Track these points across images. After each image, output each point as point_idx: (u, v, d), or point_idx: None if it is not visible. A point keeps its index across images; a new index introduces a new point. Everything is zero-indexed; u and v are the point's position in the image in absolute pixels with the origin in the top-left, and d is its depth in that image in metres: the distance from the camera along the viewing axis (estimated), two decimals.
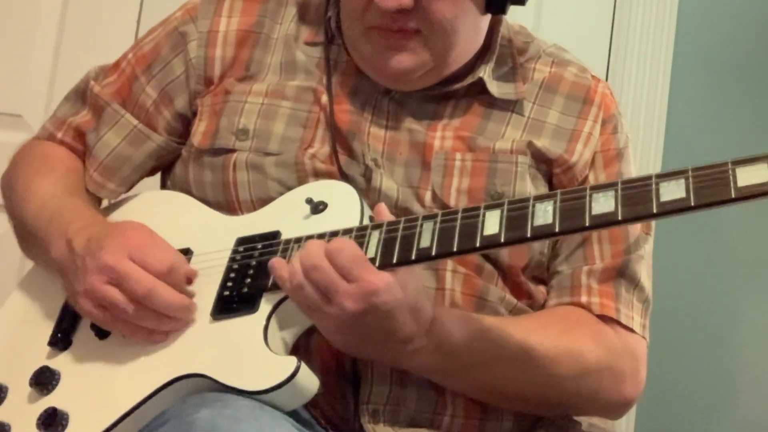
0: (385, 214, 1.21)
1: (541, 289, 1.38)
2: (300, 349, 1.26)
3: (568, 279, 1.36)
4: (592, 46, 2.29)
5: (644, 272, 1.38)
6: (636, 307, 1.36)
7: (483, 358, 1.24)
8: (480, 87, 1.38)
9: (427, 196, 1.33)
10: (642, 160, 2.21)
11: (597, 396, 1.32)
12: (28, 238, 1.41)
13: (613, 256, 1.36)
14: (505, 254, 1.33)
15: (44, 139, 1.51)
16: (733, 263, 2.19)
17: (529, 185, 1.35)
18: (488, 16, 1.38)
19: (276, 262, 1.18)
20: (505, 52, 1.42)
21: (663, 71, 2.29)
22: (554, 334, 1.29)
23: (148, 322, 1.23)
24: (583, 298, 1.34)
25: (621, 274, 1.36)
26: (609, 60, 2.30)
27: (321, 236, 1.22)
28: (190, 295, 1.25)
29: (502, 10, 1.36)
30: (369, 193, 1.32)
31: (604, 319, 1.34)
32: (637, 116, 2.23)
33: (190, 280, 1.27)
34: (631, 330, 1.35)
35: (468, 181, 1.34)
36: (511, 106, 1.39)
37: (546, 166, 1.37)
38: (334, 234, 1.22)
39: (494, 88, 1.39)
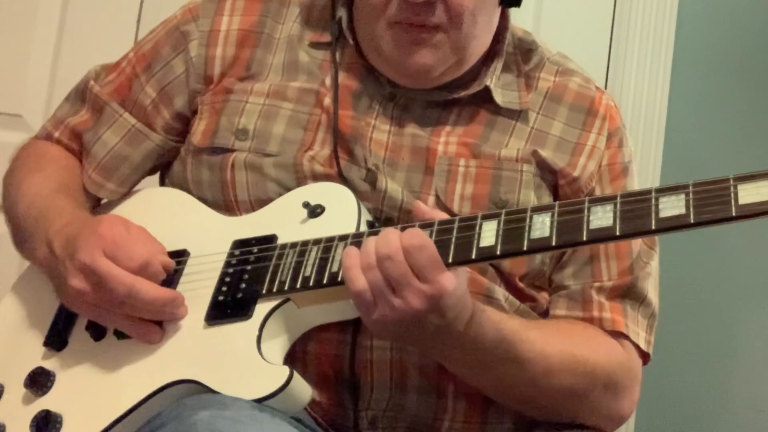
0: (425, 211, 1.20)
1: (544, 295, 1.38)
2: (296, 356, 1.26)
3: (579, 294, 1.36)
4: (592, 46, 2.28)
5: (651, 288, 1.38)
6: (641, 323, 1.37)
7: (507, 357, 1.23)
8: (485, 95, 1.38)
9: (430, 201, 1.33)
10: (642, 161, 2.21)
11: (599, 408, 1.33)
12: (20, 239, 1.41)
13: (621, 274, 1.36)
14: (505, 261, 1.32)
15: (42, 139, 1.51)
16: (735, 269, 2.19)
17: (533, 194, 1.34)
18: (498, 12, 1.38)
19: (351, 250, 1.16)
20: (510, 60, 1.42)
21: (663, 72, 2.28)
22: (573, 344, 1.30)
23: (142, 314, 1.23)
24: (595, 313, 1.35)
25: (628, 293, 1.36)
26: (609, 60, 2.29)
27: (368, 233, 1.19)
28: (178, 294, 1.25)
29: (518, 3, 1.36)
30: (373, 196, 1.31)
31: (615, 334, 1.34)
32: (637, 117, 2.23)
33: (168, 270, 1.27)
34: (637, 346, 1.35)
35: (472, 188, 1.33)
36: (516, 115, 1.39)
37: (551, 175, 1.37)
38: (330, 240, 1.22)
39: (499, 96, 1.38)
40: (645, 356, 1.37)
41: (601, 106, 1.42)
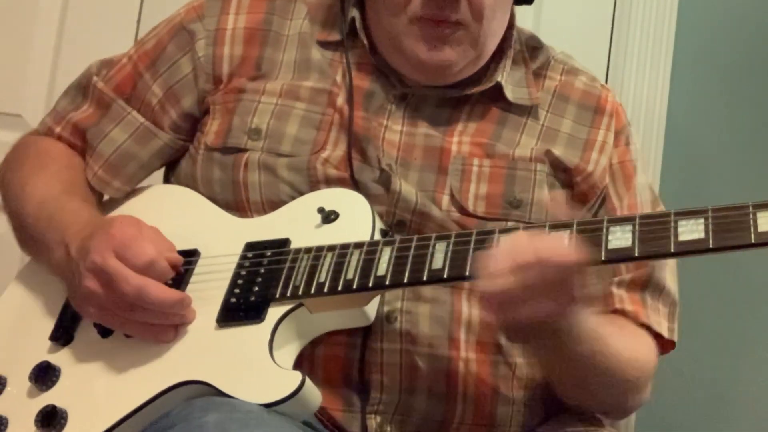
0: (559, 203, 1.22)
1: None
2: (304, 359, 1.26)
3: (598, 290, 1.36)
4: (592, 46, 2.28)
5: (669, 276, 1.40)
6: (662, 312, 1.38)
7: (589, 351, 1.23)
8: (496, 92, 1.39)
9: (445, 200, 1.33)
10: (642, 158, 2.21)
11: (632, 399, 1.35)
12: (28, 239, 1.40)
13: (639, 265, 1.36)
14: None
15: (42, 134, 1.50)
16: (745, 267, 2.18)
17: (546, 193, 1.35)
18: (509, 11, 1.39)
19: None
20: (518, 58, 1.43)
21: (663, 71, 2.28)
22: (628, 340, 1.31)
23: (152, 319, 1.22)
24: (618, 306, 1.36)
25: (646, 284, 1.37)
26: (609, 60, 2.29)
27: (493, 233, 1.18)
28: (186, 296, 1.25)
29: (530, 0, 1.39)
30: (388, 197, 1.31)
31: (639, 326, 1.36)
32: (637, 117, 2.23)
33: (176, 268, 1.26)
34: (660, 335, 1.37)
35: (486, 187, 1.34)
36: (526, 112, 1.40)
37: (564, 174, 1.38)
38: (345, 247, 1.22)
39: (510, 92, 1.39)
40: (668, 343, 1.39)
41: (608, 104, 1.44)
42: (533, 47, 1.46)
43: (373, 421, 1.29)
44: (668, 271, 1.39)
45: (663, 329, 1.37)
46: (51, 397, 1.25)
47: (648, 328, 1.36)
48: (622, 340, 1.29)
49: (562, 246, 1.11)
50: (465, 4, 1.30)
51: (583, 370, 1.26)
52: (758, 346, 2.18)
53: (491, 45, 1.37)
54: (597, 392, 1.32)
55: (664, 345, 1.39)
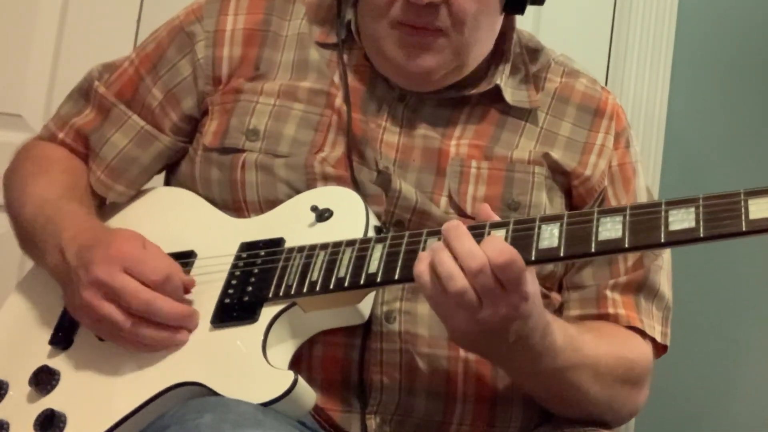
0: (490, 214, 1.18)
1: (555, 295, 1.39)
2: (302, 360, 1.26)
3: (593, 292, 1.36)
4: (592, 46, 2.28)
5: (664, 280, 1.39)
6: (656, 316, 1.38)
7: (567, 364, 1.23)
8: (495, 94, 1.39)
9: (443, 202, 1.33)
10: (642, 161, 2.21)
11: (626, 405, 1.34)
12: (27, 241, 1.41)
13: (634, 268, 1.36)
14: None
15: (46, 139, 1.50)
16: (740, 271, 2.18)
17: (545, 196, 1.35)
18: (501, 18, 1.38)
19: (421, 266, 1.12)
20: (517, 60, 1.43)
21: (663, 71, 2.28)
22: (614, 345, 1.30)
23: (147, 336, 1.22)
24: (611, 310, 1.35)
25: (641, 286, 1.37)
26: (609, 60, 2.30)
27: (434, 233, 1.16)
28: (190, 303, 1.25)
29: (521, 11, 1.37)
30: (387, 197, 1.31)
31: (632, 329, 1.35)
32: (637, 117, 2.23)
33: (187, 288, 1.26)
34: (653, 339, 1.36)
35: (484, 189, 1.34)
36: (525, 115, 1.40)
37: (563, 177, 1.38)
38: (337, 246, 1.22)
39: (509, 95, 1.39)
40: (660, 348, 1.38)
41: (608, 107, 1.44)
42: (533, 50, 1.45)
43: (372, 422, 1.29)
44: (663, 275, 1.39)
45: (656, 333, 1.36)
46: (50, 401, 1.26)
47: (641, 332, 1.35)
48: (604, 348, 1.28)
49: (510, 250, 1.10)
50: (445, 12, 1.28)
51: (559, 385, 1.25)
52: (756, 347, 2.18)
53: (476, 53, 1.36)
54: (581, 405, 1.30)
55: (657, 349, 1.38)
